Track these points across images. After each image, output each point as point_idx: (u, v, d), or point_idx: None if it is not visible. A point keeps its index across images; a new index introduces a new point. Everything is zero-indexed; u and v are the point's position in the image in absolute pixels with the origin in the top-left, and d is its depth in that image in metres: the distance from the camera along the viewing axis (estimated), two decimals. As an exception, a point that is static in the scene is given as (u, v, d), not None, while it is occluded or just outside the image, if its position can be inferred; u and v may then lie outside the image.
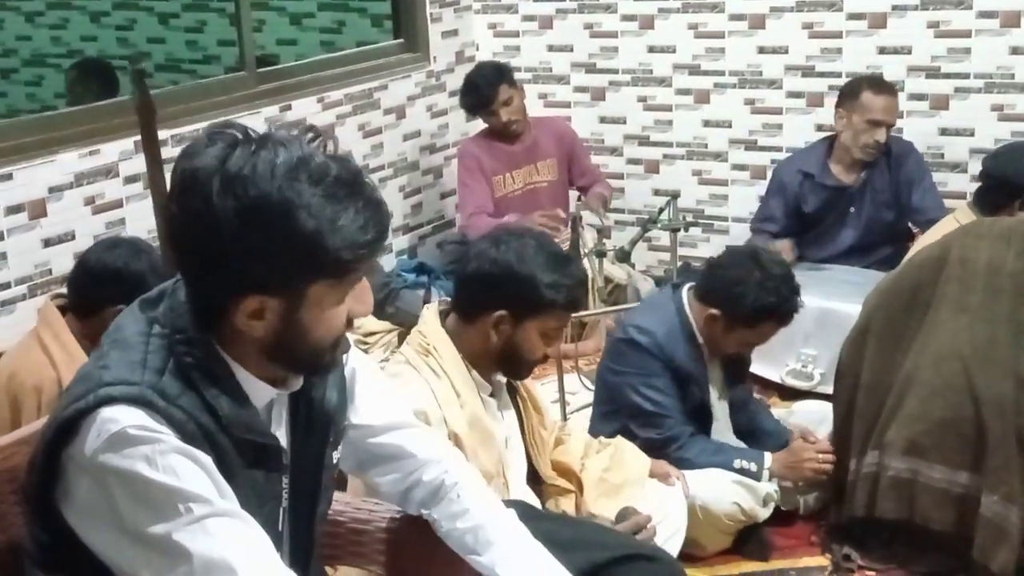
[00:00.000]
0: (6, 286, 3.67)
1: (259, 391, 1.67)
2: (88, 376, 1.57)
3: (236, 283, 1.54)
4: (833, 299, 4.18)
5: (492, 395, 2.67)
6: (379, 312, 4.13)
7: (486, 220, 4.93)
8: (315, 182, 1.50)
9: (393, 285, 4.16)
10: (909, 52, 4.94)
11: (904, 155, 4.66)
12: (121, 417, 1.50)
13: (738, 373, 3.55)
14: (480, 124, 5.26)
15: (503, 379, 2.73)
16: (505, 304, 2.55)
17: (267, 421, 1.71)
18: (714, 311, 3.28)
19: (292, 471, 1.74)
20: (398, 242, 5.42)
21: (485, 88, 5.04)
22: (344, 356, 1.79)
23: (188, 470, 1.52)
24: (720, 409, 3.48)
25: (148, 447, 1.50)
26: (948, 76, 4.89)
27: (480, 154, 5.13)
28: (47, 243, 3.80)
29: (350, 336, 2.66)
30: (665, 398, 3.28)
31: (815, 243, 4.76)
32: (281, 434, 1.73)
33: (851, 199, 4.68)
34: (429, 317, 2.67)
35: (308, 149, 1.53)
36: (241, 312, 1.55)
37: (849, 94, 4.62)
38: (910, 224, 4.68)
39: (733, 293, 3.24)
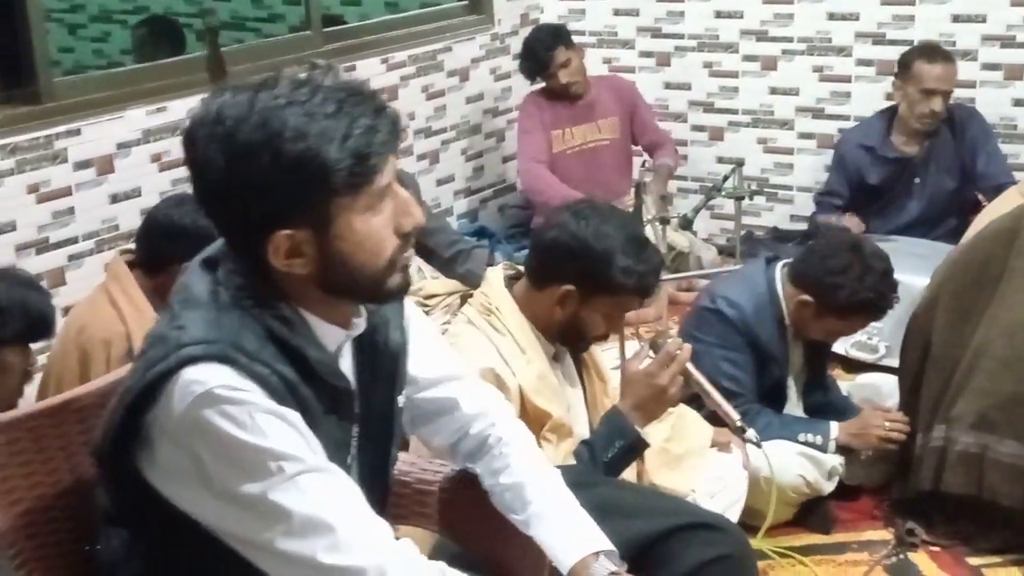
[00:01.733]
0: (74, 241, 3.71)
1: (329, 335, 1.66)
2: (164, 338, 1.56)
3: (254, 225, 1.54)
4: (899, 271, 4.06)
5: (555, 359, 2.66)
6: (449, 271, 4.12)
7: (545, 172, 4.91)
8: (301, 104, 1.50)
9: (461, 246, 4.14)
10: (983, 20, 4.84)
11: (967, 121, 4.60)
12: (206, 377, 1.50)
13: (819, 359, 3.51)
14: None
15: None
16: (575, 279, 2.52)
17: None
18: (807, 297, 3.23)
19: (361, 419, 1.74)
20: (459, 205, 5.41)
21: (542, 52, 5.01)
22: (403, 301, 1.80)
23: (278, 428, 1.52)
24: (795, 390, 3.45)
25: (235, 407, 1.50)
26: (1023, 46, 4.78)
27: (542, 105, 5.11)
28: (114, 199, 3.82)
29: (410, 298, 2.70)
30: (743, 374, 3.24)
31: (880, 215, 4.70)
32: (350, 380, 1.72)
33: (915, 170, 4.62)
34: (493, 279, 2.66)
35: (301, 80, 1.53)
36: (275, 253, 1.55)
37: (903, 65, 4.57)
38: (976, 192, 4.59)
39: (829, 283, 3.18)
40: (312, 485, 1.52)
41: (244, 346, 1.54)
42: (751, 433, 2.56)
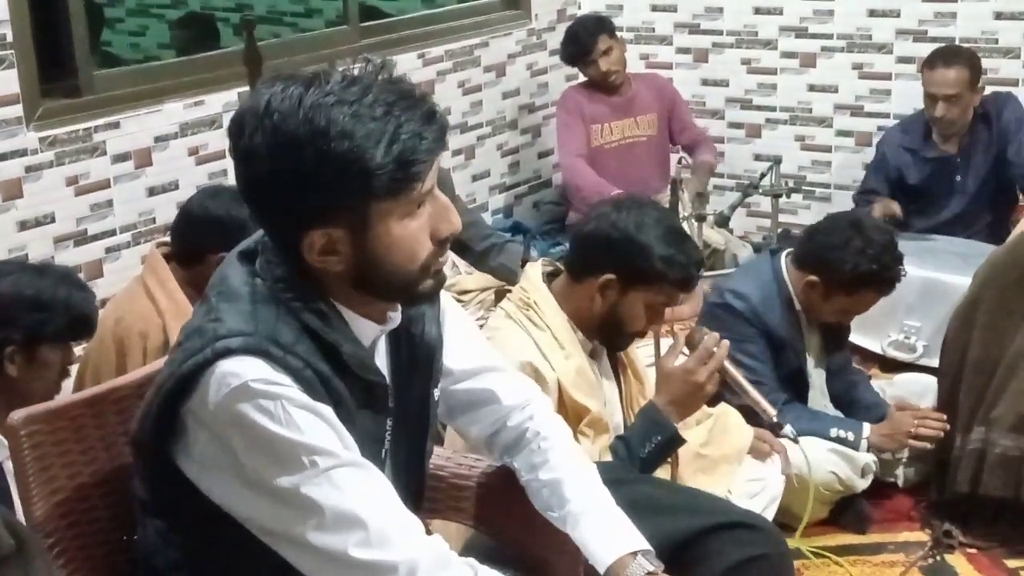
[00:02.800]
0: (111, 233, 3.73)
1: (364, 330, 1.66)
2: (201, 330, 1.57)
3: (292, 219, 1.54)
4: (938, 270, 4.08)
5: (593, 356, 2.65)
6: (482, 265, 4.11)
7: (586, 167, 4.90)
8: (350, 104, 1.49)
9: (494, 240, 4.13)
10: (1027, 17, 4.79)
11: (1002, 108, 4.51)
12: (242, 370, 1.51)
13: (837, 341, 3.48)
14: (582, 79, 5.22)
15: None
16: (616, 268, 2.53)
17: None
18: (812, 277, 3.22)
19: (395, 412, 1.74)
20: (494, 200, 5.40)
21: (585, 37, 4.99)
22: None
23: (311, 423, 1.52)
24: (817, 376, 3.43)
25: (271, 402, 1.50)
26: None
27: (582, 100, 5.10)
28: (151, 192, 3.84)
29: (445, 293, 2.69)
30: (759, 364, 3.22)
31: (920, 214, 4.65)
32: (385, 374, 1.72)
33: (955, 168, 4.56)
34: (532, 274, 2.67)
35: (353, 77, 1.52)
36: (310, 249, 1.55)
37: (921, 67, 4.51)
38: (1014, 184, 4.51)
39: (831, 259, 3.18)
40: (345, 480, 1.53)
41: (280, 339, 1.54)
42: (788, 429, 2.56)
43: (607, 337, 2.64)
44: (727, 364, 2.54)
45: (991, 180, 4.54)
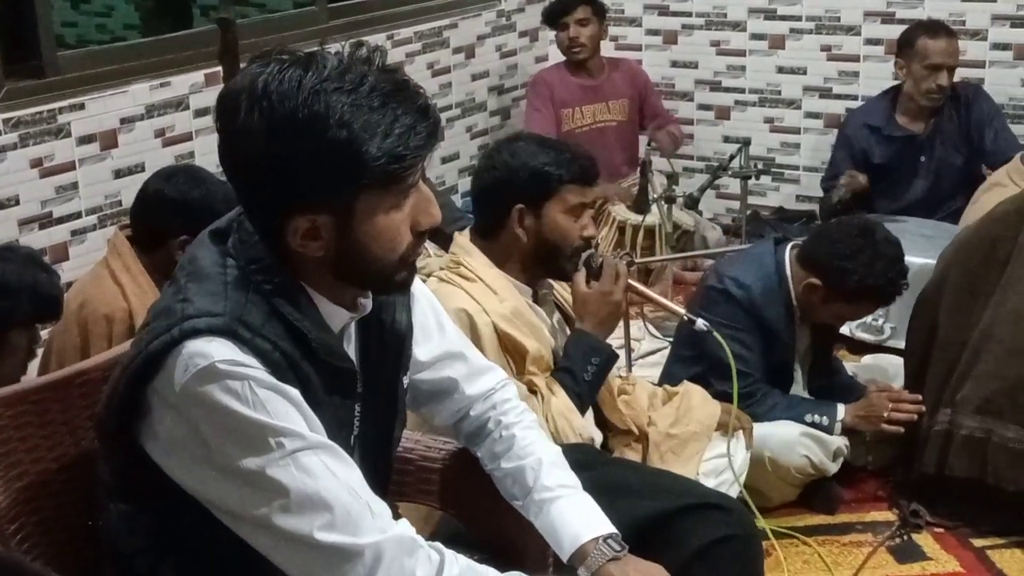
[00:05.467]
0: (77, 216, 3.70)
1: (335, 315, 1.66)
2: (169, 310, 1.55)
3: (278, 202, 1.53)
4: (906, 252, 4.06)
5: (540, 303, 2.70)
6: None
7: None
8: (348, 92, 1.48)
9: (464, 223, 4.11)
10: (993, 0, 4.80)
11: (973, 98, 4.56)
12: (210, 351, 1.49)
13: (825, 343, 3.49)
14: (556, 59, 5.20)
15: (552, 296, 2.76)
16: (518, 198, 2.59)
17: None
18: (815, 280, 3.20)
19: (364, 398, 1.73)
20: (463, 183, 5.38)
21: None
22: None
23: (278, 405, 1.51)
24: (800, 373, 3.44)
25: (237, 383, 1.49)
26: (1035, 24, 4.77)
27: (553, 83, 5.11)
28: (118, 174, 3.81)
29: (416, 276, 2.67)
30: (750, 354, 3.21)
31: (886, 195, 4.67)
32: (353, 360, 1.71)
33: (920, 148, 4.59)
34: (458, 239, 2.72)
35: (348, 62, 1.51)
36: (293, 233, 1.54)
37: (906, 43, 4.52)
38: (985, 168, 4.54)
39: (838, 267, 3.16)
40: (311, 462, 1.51)
41: (248, 321, 1.53)
42: (700, 323, 2.70)
43: (552, 267, 2.67)
44: (632, 281, 2.73)
45: (957, 164, 4.57)
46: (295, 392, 1.54)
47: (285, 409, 1.52)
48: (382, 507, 1.58)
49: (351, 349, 1.72)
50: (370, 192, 1.52)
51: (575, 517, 1.86)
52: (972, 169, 4.59)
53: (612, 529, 1.86)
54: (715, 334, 2.71)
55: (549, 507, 1.86)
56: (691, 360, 3.33)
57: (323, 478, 1.52)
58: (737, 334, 3.16)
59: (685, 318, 2.73)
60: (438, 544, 1.62)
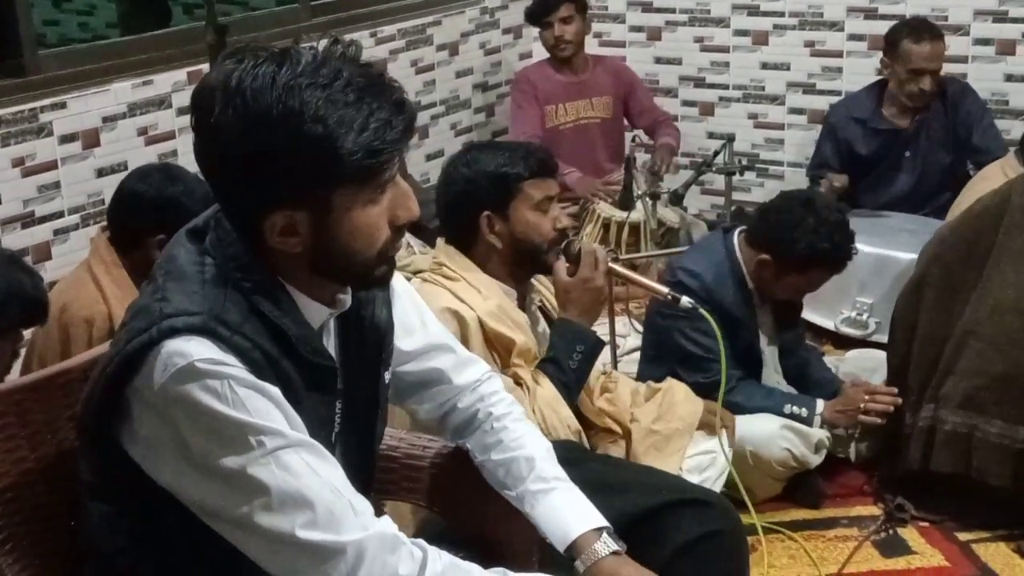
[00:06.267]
0: (59, 215, 3.68)
1: (314, 312, 1.65)
2: (147, 309, 1.54)
3: (255, 198, 1.52)
4: (890, 247, 4.12)
5: (524, 309, 2.70)
6: (434, 243, 4.10)
7: None
8: (323, 87, 1.47)
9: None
10: (975, -5, 4.83)
11: (961, 95, 4.55)
12: (189, 350, 1.48)
13: (789, 318, 3.50)
14: (540, 57, 5.20)
15: (537, 300, 2.77)
16: (483, 206, 2.61)
17: None
18: (765, 256, 3.23)
19: (344, 394, 1.73)
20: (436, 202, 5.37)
21: None
22: None
23: (258, 403, 1.50)
24: (770, 354, 3.44)
25: (217, 382, 1.48)
26: (1015, 20, 4.77)
27: (536, 80, 5.11)
28: (100, 173, 3.79)
29: (401, 273, 2.67)
30: (713, 342, 3.21)
31: (871, 189, 4.67)
32: (333, 356, 1.71)
33: (906, 143, 4.59)
34: (439, 244, 2.73)
35: (323, 58, 1.50)
36: (271, 229, 1.53)
37: (890, 43, 4.51)
38: (971, 166, 4.56)
39: (784, 238, 3.18)
40: (292, 460, 1.51)
41: (227, 319, 1.52)
42: (685, 300, 2.71)
43: (530, 264, 2.69)
44: (612, 264, 2.73)
45: (942, 160, 4.57)
46: (275, 390, 1.53)
47: (265, 407, 1.51)
48: (364, 505, 1.57)
49: (331, 345, 1.71)
50: (347, 187, 1.51)
51: (572, 508, 1.86)
52: (958, 166, 4.60)
53: (607, 523, 1.86)
54: (700, 310, 2.73)
55: (544, 497, 1.86)
56: (658, 359, 3.35)
57: (304, 476, 1.51)
58: (697, 323, 3.16)
59: (668, 297, 2.74)
60: (421, 541, 1.61)
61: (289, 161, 1.48)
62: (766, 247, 3.23)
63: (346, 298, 1.70)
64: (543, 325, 2.77)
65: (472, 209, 2.61)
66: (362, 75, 1.51)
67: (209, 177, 1.56)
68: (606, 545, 1.82)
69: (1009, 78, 4.82)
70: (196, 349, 1.49)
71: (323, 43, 1.54)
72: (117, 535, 1.63)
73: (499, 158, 2.62)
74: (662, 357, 3.34)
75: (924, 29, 4.48)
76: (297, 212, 1.52)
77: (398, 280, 1.89)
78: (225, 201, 1.58)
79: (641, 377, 3.32)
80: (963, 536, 3.13)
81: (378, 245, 1.59)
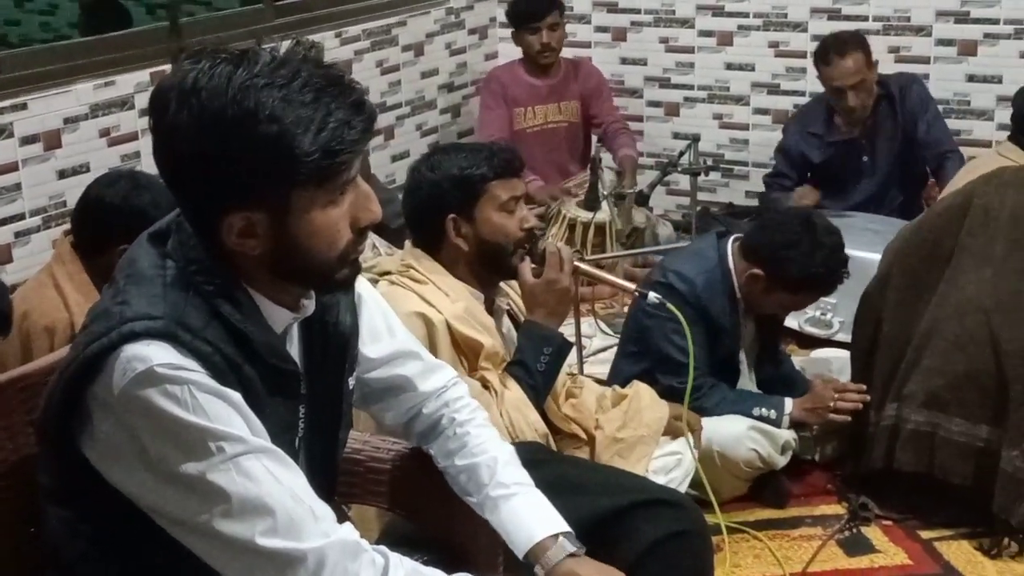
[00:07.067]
0: (21, 217, 3.65)
1: (277, 316, 1.64)
2: (107, 313, 1.53)
3: (212, 200, 1.51)
4: (853, 247, 4.08)
5: (492, 314, 2.69)
6: (399, 243, 4.09)
7: None
8: (280, 88, 1.46)
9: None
10: (938, -4, 4.87)
11: (905, 90, 4.57)
12: (148, 354, 1.47)
13: (771, 333, 3.51)
14: (506, 57, 5.19)
15: (505, 305, 2.76)
16: (448, 209, 2.59)
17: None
18: (757, 271, 3.22)
19: (308, 399, 1.72)
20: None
21: (541, 3, 4.97)
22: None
23: (219, 409, 1.49)
24: (747, 364, 3.45)
25: (177, 387, 1.47)
26: (977, 21, 4.82)
27: (506, 82, 5.10)
28: (62, 174, 3.76)
29: (366, 275, 2.65)
30: (695, 348, 3.22)
31: (834, 196, 4.69)
32: (297, 361, 1.70)
33: (862, 149, 4.61)
34: (407, 245, 2.73)
35: (282, 59, 1.49)
36: (228, 231, 1.52)
37: (815, 65, 4.54)
38: (924, 163, 4.57)
39: (779, 256, 3.18)
40: (252, 466, 1.49)
41: (188, 323, 1.51)
42: (652, 296, 2.71)
43: (497, 266, 2.67)
44: (578, 263, 2.73)
45: (899, 160, 4.60)
46: (236, 396, 1.52)
47: (226, 413, 1.50)
48: (326, 511, 1.56)
49: (295, 350, 1.70)
50: (305, 188, 1.50)
51: (531, 514, 1.86)
52: (911, 163, 4.61)
53: (567, 528, 1.86)
54: (668, 305, 2.72)
55: (505, 503, 1.86)
56: (637, 356, 3.34)
57: (265, 483, 1.50)
58: (682, 328, 3.17)
59: (636, 293, 2.73)
60: (383, 548, 1.61)
61: (244, 162, 1.46)
62: (760, 263, 3.23)
63: (310, 303, 1.69)
64: (507, 324, 2.76)
65: (437, 213, 2.60)
66: (321, 75, 1.50)
67: (166, 178, 1.55)
68: (563, 548, 1.82)
69: (971, 78, 4.87)
70: (156, 354, 1.47)
71: (285, 44, 1.53)
72: (78, 541, 1.61)
73: (463, 160, 2.61)
74: (641, 354, 3.33)
75: (833, 48, 4.46)
76: (255, 213, 1.51)
77: (365, 287, 1.88)
78: (183, 202, 1.57)
79: (615, 371, 3.33)
80: (926, 534, 3.15)
81: (339, 247, 1.57)
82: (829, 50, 4.46)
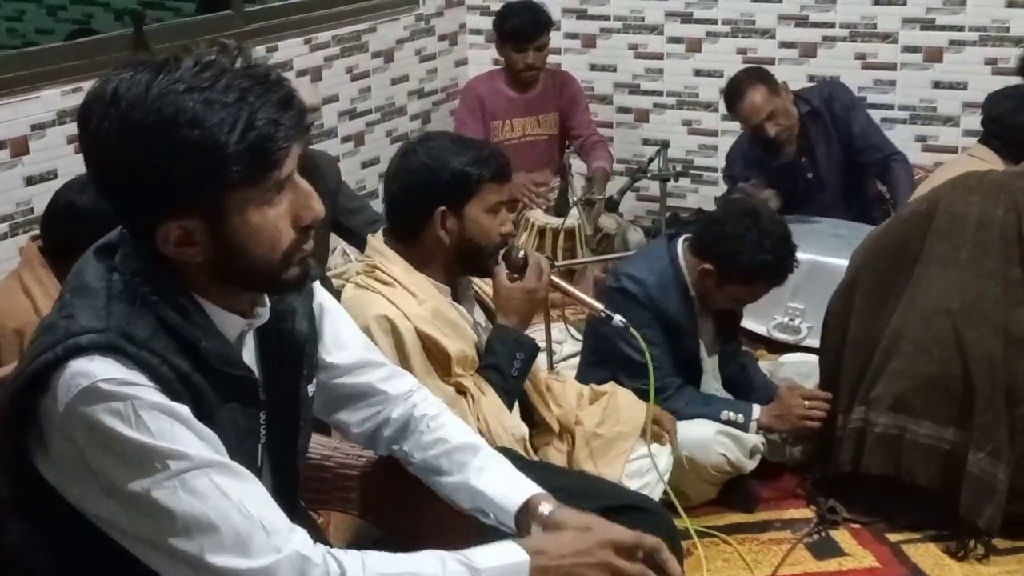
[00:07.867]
0: (-13, 224, 3.63)
1: (229, 323, 1.62)
2: (53, 327, 1.51)
3: (144, 210, 1.49)
4: (821, 252, 4.16)
5: (459, 301, 2.71)
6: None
7: None
8: (201, 91, 1.44)
9: (379, 226, 4.10)
10: (904, 3, 4.91)
11: (830, 98, 4.58)
12: (92, 370, 1.45)
13: (729, 328, 3.53)
14: (478, 69, 5.18)
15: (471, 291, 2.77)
16: (440, 200, 2.58)
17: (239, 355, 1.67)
18: (707, 266, 3.25)
19: (268, 406, 1.70)
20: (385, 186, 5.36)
21: (534, 24, 4.94)
22: (313, 289, 1.80)
23: (164, 425, 1.47)
24: (710, 362, 3.47)
25: (120, 403, 1.45)
26: (943, 28, 4.86)
27: (484, 95, 5.08)
28: (29, 181, 3.74)
29: (336, 281, 2.64)
30: (655, 350, 3.23)
31: (793, 211, 4.67)
32: (253, 368, 1.68)
33: (804, 168, 4.62)
34: (373, 241, 2.71)
35: (206, 63, 1.48)
36: (164, 240, 1.50)
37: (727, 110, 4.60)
38: (866, 170, 4.59)
39: (728, 249, 3.21)
40: (199, 483, 1.47)
41: (133, 335, 1.49)
42: (618, 319, 2.74)
43: (474, 264, 2.68)
44: (554, 278, 2.77)
45: (843, 169, 4.62)
46: (183, 409, 1.50)
47: (172, 428, 1.48)
48: (280, 523, 1.54)
49: (251, 358, 1.69)
50: (237, 190, 1.48)
51: (517, 476, 1.89)
52: (852, 169, 4.62)
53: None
54: (632, 330, 2.75)
55: (489, 471, 1.88)
56: (599, 363, 3.36)
57: (211, 499, 1.48)
58: (640, 330, 3.17)
59: (602, 315, 2.76)
60: (341, 555, 1.57)
61: (170, 169, 1.45)
62: (709, 257, 3.25)
63: (264, 310, 1.68)
64: (479, 310, 2.78)
65: (429, 201, 2.59)
66: (245, 76, 1.48)
67: (98, 190, 1.53)
68: (553, 501, 1.85)
69: (937, 85, 4.91)
70: (100, 369, 1.46)
71: (212, 50, 1.51)
72: (38, 552, 1.59)
73: (463, 155, 2.60)
74: (604, 362, 3.35)
75: (733, 94, 4.51)
76: (190, 221, 1.49)
77: (326, 298, 1.88)
78: (118, 214, 1.55)
79: (582, 380, 3.33)
80: (894, 537, 3.17)
81: (282, 247, 1.56)
82: (731, 96, 4.52)
